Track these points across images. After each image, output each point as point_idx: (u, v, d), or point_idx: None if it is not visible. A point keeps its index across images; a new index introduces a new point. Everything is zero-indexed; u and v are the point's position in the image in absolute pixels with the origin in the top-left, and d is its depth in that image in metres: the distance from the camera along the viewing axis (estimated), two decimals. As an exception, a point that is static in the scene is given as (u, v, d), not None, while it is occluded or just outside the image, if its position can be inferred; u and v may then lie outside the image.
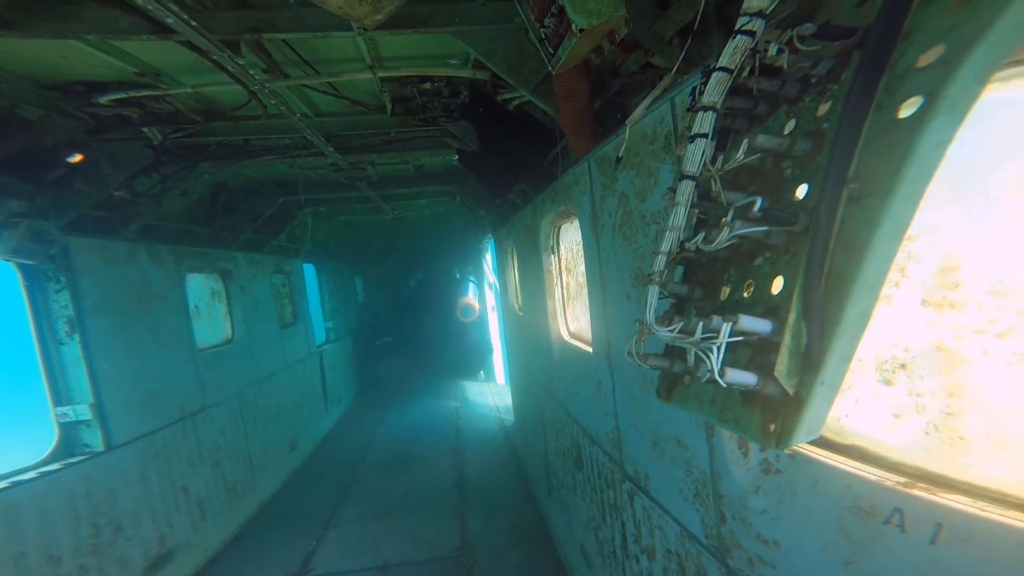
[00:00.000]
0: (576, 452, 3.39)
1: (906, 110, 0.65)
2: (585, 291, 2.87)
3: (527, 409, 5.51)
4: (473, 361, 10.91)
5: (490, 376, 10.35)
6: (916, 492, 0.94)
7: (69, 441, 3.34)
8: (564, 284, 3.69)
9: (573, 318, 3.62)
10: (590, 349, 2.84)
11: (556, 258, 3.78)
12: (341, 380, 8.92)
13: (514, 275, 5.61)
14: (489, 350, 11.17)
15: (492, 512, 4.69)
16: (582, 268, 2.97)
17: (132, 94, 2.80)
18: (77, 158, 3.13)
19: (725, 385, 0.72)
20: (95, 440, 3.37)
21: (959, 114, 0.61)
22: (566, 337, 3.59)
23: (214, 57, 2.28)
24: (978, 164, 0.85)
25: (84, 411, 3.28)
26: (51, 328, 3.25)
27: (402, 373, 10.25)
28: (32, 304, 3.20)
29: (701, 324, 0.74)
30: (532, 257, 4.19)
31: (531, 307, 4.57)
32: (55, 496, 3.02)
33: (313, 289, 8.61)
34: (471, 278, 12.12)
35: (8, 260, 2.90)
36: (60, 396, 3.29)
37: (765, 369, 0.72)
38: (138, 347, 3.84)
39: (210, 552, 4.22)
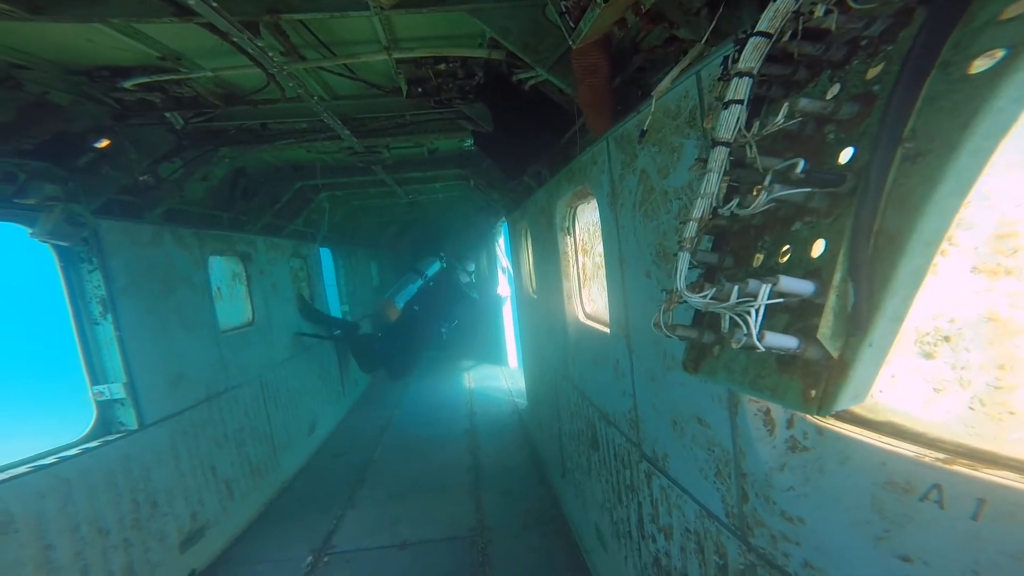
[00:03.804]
0: (591, 434, 3.41)
1: (980, 65, 0.62)
2: (602, 272, 2.85)
3: (541, 392, 5.55)
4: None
5: (502, 360, 10.31)
6: (957, 468, 0.92)
7: (106, 419, 3.48)
8: (580, 265, 3.67)
9: (589, 299, 3.60)
10: (607, 330, 2.83)
11: (572, 239, 3.75)
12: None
13: (528, 258, 5.59)
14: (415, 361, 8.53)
15: (506, 494, 4.76)
16: (599, 249, 2.94)
17: (155, 78, 2.84)
18: (104, 143, 3.20)
19: (764, 349, 0.70)
20: (129, 419, 3.51)
21: None
22: (582, 318, 3.57)
23: (234, 39, 2.29)
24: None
25: (118, 390, 3.41)
26: (86, 308, 3.36)
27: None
28: (68, 285, 3.31)
29: (736, 288, 0.73)
30: (547, 239, 4.16)
31: (545, 289, 4.56)
32: (97, 472, 3.16)
33: (329, 273, 8.71)
34: (421, 268, 9.36)
35: (46, 241, 3.00)
36: (96, 375, 3.43)
37: (806, 333, 0.71)
38: (165, 328, 3.96)
39: (238, 529, 4.39)
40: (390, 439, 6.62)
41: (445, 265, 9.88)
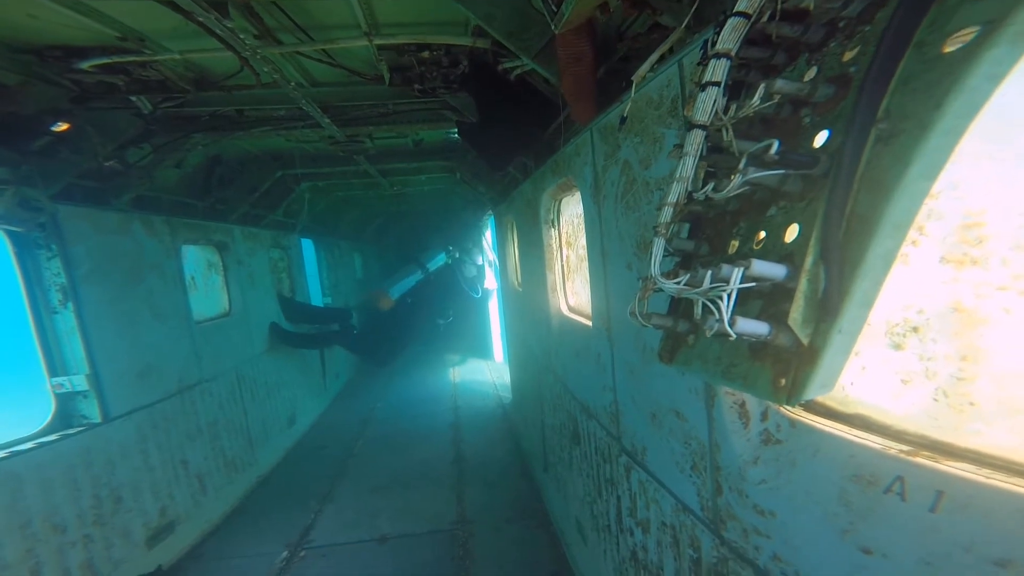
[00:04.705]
0: (573, 427, 3.41)
1: (954, 44, 0.61)
2: (585, 264, 2.83)
3: (525, 386, 5.54)
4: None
5: (488, 354, 10.28)
6: (919, 460, 0.92)
7: (66, 412, 3.34)
8: (564, 258, 3.65)
9: (573, 292, 3.58)
10: (590, 323, 2.81)
11: (556, 232, 3.72)
12: (339, 355, 8.93)
13: (514, 251, 5.56)
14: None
15: (489, 488, 4.75)
16: (582, 241, 2.92)
17: (115, 60, 2.68)
18: (63, 127, 3.03)
19: (735, 335, 0.68)
20: (92, 411, 3.37)
21: None
22: (565, 311, 3.56)
23: (200, 19, 2.17)
24: (1016, 117, 0.79)
25: (80, 382, 3.27)
26: (44, 296, 3.20)
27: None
28: (24, 272, 3.15)
29: (709, 273, 0.70)
30: (532, 232, 4.13)
31: (530, 282, 4.53)
32: (54, 466, 3.03)
33: (312, 264, 8.55)
34: (423, 261, 9.07)
35: None
36: (55, 366, 3.28)
37: (777, 319, 0.69)
38: (133, 318, 3.81)
39: (210, 524, 4.28)
40: (372, 432, 6.54)
41: (452, 261, 9.55)
